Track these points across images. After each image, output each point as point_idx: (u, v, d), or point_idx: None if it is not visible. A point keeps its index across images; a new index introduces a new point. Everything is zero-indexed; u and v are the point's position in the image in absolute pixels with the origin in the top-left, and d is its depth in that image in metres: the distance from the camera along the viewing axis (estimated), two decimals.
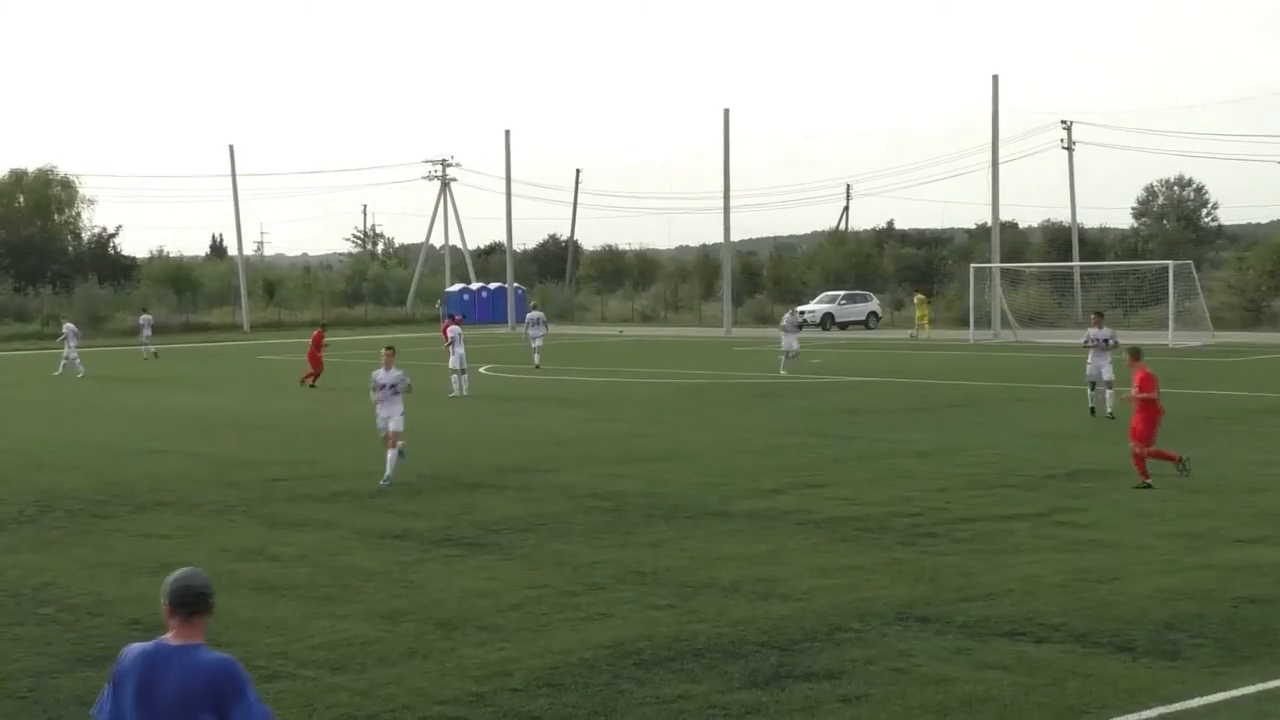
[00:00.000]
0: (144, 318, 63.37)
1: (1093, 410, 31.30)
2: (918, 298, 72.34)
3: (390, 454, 22.92)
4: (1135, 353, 22.83)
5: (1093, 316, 33.58)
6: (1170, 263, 64.86)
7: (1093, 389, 31.62)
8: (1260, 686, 11.20)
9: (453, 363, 39.51)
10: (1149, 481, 21.03)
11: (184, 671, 6.06)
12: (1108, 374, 31.13)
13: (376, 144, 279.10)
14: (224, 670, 6.10)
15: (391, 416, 23.36)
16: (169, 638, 6.20)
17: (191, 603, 6.20)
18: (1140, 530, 17.84)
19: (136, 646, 6.27)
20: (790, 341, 48.52)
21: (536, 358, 50.93)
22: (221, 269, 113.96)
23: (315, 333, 46.06)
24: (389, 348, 24.64)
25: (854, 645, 12.41)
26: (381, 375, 23.78)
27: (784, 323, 50.19)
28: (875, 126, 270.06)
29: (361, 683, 11.75)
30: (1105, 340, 31.93)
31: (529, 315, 54.13)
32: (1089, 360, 31.77)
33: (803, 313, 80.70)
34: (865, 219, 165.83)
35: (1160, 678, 11.48)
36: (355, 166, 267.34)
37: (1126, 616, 13.41)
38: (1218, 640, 12.57)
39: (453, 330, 40.61)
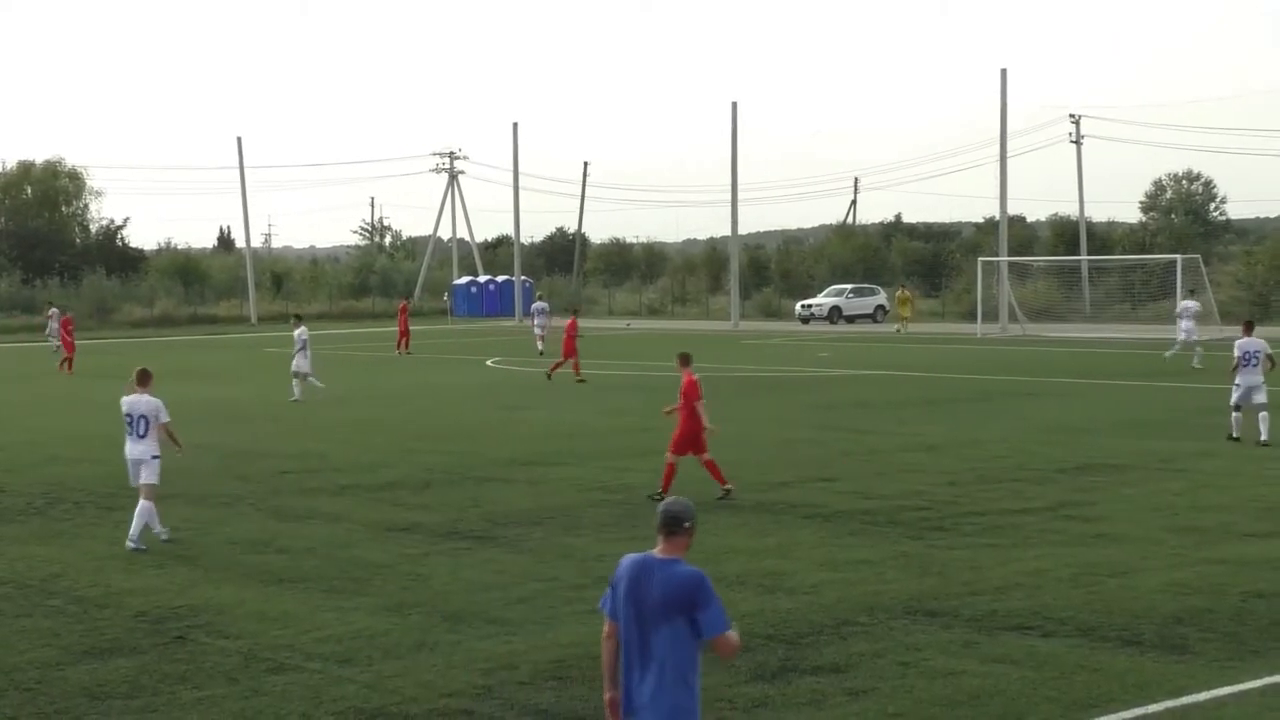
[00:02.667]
0: (51, 311, 62.98)
1: (1236, 437, 25.63)
2: (902, 293, 71.96)
3: (142, 506, 17.38)
4: (684, 358, 21.23)
5: (1243, 325, 27.03)
6: (1178, 257, 64.83)
7: (1237, 411, 25.86)
8: (1267, 680, 11.19)
9: (297, 364, 37.28)
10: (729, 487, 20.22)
11: (665, 580, 7.24)
12: (1261, 396, 25.56)
13: (385, 137, 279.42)
14: (695, 581, 7.22)
15: (143, 461, 17.60)
16: (656, 551, 7.39)
17: (668, 524, 7.38)
18: (1149, 524, 17.81)
19: (631, 556, 7.51)
20: (1189, 330, 45.81)
21: (539, 345, 53.56)
22: (229, 261, 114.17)
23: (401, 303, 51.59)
24: (142, 369, 18.14)
25: (861, 639, 12.40)
26: (129, 402, 17.85)
27: (1179, 310, 48.06)
28: (883, 120, 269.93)
29: (368, 675, 11.75)
30: (1256, 355, 25.86)
31: (534, 305, 57.80)
32: (1238, 379, 25.80)
33: (808, 306, 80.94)
34: (873, 212, 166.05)
35: (1168, 672, 11.46)
36: (363, 159, 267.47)
37: (1134, 611, 13.40)
38: (1226, 635, 12.55)
39: (299, 332, 37.86)
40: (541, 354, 51.69)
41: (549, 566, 15.87)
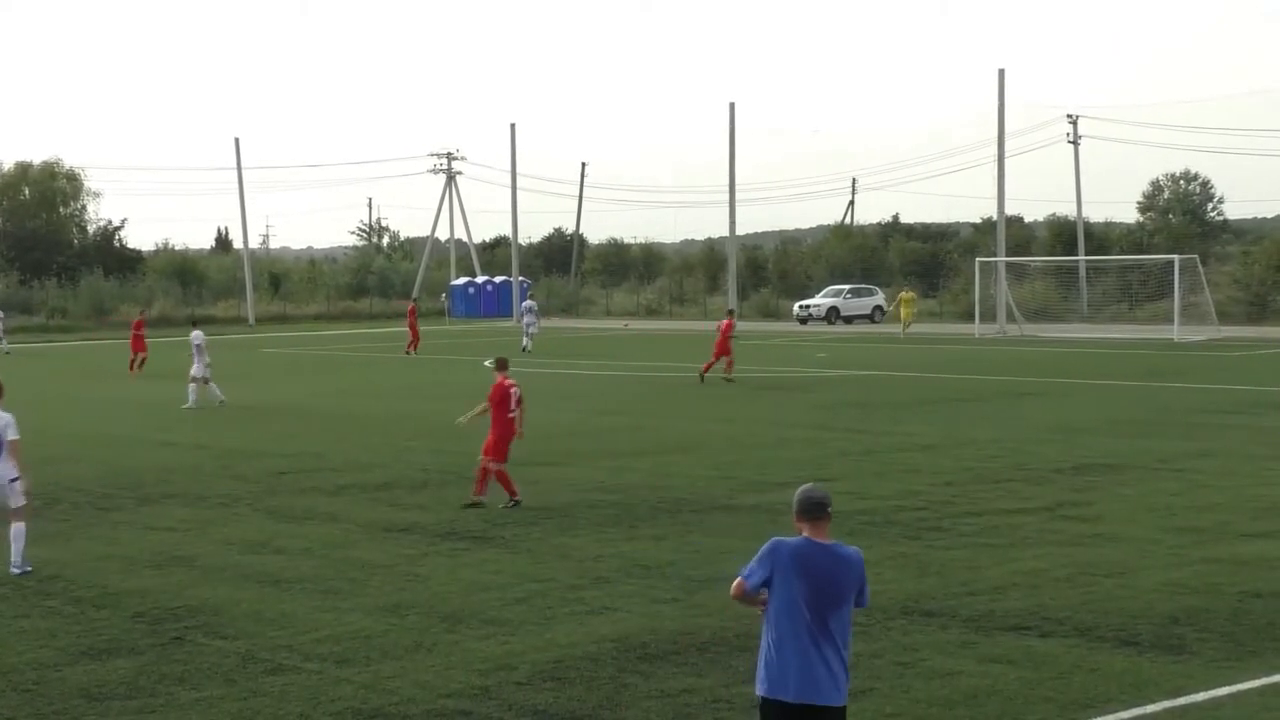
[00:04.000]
0: None
1: None
2: (907, 294, 71.46)
3: (14, 529, 15.92)
4: (500, 363, 21.18)
5: None
6: (1176, 257, 64.88)
7: None
8: (1265, 680, 11.20)
9: (195, 370, 35.55)
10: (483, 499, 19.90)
11: (844, 563, 7.73)
12: None
13: (383, 137, 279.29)
14: (862, 560, 7.85)
15: (4, 484, 15.90)
16: (809, 535, 7.76)
17: (813, 510, 7.78)
18: (1146, 524, 17.82)
19: (788, 540, 7.77)
20: None
21: (525, 342, 56.55)
22: (227, 262, 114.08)
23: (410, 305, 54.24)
24: None
25: (858, 639, 12.35)
26: None
27: None
28: (881, 120, 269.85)
29: (366, 676, 11.75)
30: None
31: (524, 305, 61.05)
32: None
33: (806, 307, 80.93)
34: (871, 213, 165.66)
35: (1165, 672, 11.47)
36: (362, 160, 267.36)
37: (1132, 611, 13.40)
38: (1223, 635, 12.56)
39: (196, 336, 36.09)
40: (525, 350, 54.59)
41: (546, 567, 15.87)
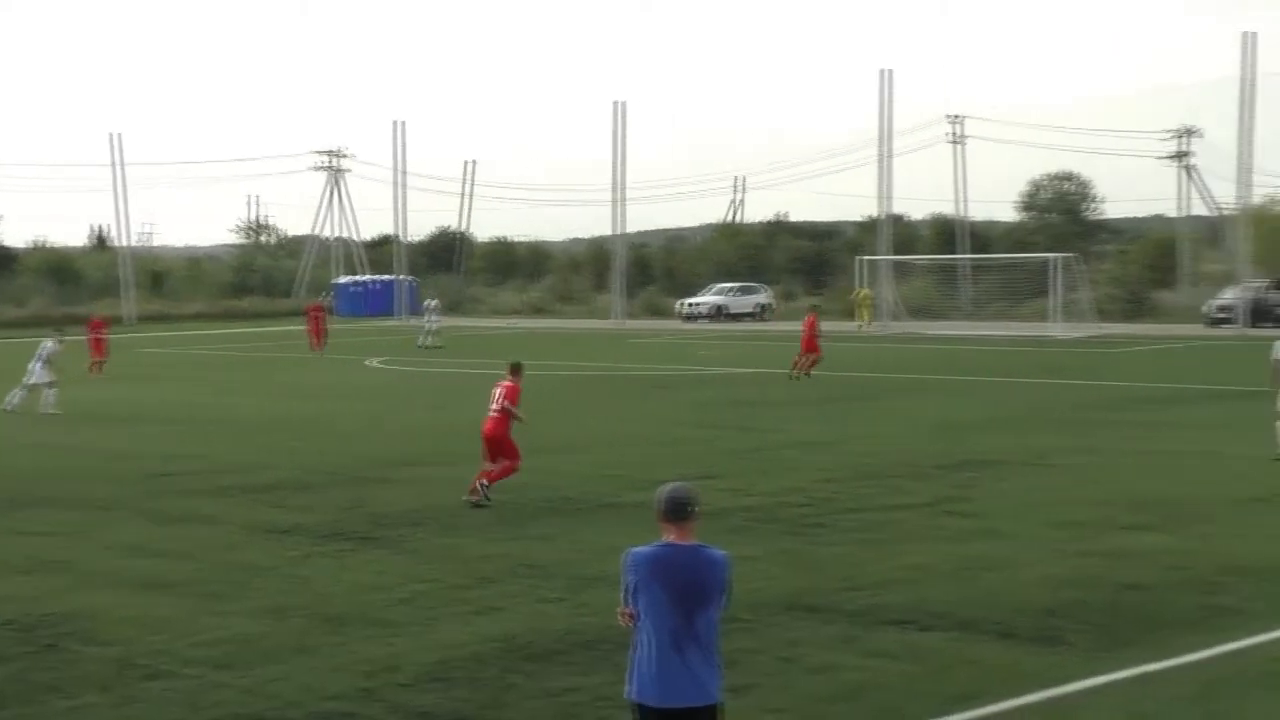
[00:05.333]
0: None
1: None
2: (861, 293, 70.50)
3: None
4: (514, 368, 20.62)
5: None
6: (1055, 255, 65.89)
7: None
8: (1138, 670, 11.40)
9: (38, 375, 33.49)
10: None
11: (708, 565, 7.58)
12: None
13: (266, 134, 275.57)
14: (728, 562, 7.68)
15: None
16: (672, 539, 7.61)
17: (677, 511, 7.61)
18: (1026, 519, 18.08)
19: (643, 549, 7.65)
20: None
21: (420, 339, 57.71)
22: (104, 260, 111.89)
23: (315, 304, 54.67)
24: None
25: (742, 635, 12.46)
26: None
27: None
28: (768, 120, 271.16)
29: (247, 680, 11.62)
30: None
31: (426, 303, 61.44)
32: None
33: (693, 305, 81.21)
34: (757, 211, 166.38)
35: (1043, 664, 11.65)
36: (245, 157, 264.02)
37: (1011, 604, 13.60)
38: (1099, 627, 12.78)
39: (46, 347, 33.91)
40: (422, 347, 55.73)
41: (431, 567, 15.80)
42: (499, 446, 20.05)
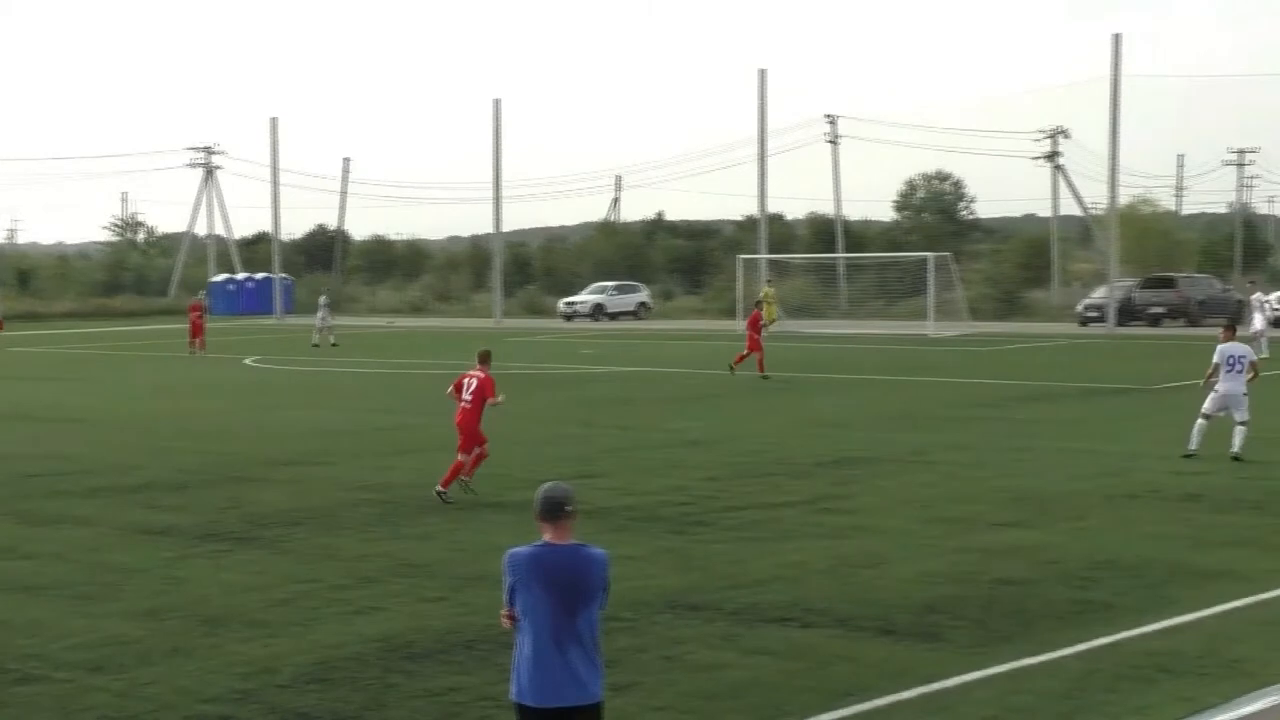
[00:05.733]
0: None
1: (1193, 452, 22.86)
2: (767, 292, 69.99)
3: None
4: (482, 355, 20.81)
5: (1223, 328, 24.24)
6: (930, 254, 66.68)
7: (1205, 420, 23.13)
8: (1013, 665, 11.56)
9: None
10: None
11: (587, 564, 7.59)
12: (1242, 408, 22.88)
13: (139, 130, 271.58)
14: (607, 561, 7.70)
15: None
16: (549, 539, 7.62)
17: (552, 510, 7.61)
18: (903, 516, 18.27)
19: (521, 549, 7.71)
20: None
21: (316, 337, 57.10)
22: None
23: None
24: None
25: (624, 634, 12.48)
26: None
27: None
28: (646, 119, 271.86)
29: (121, 683, 11.42)
30: (1241, 360, 23.19)
31: (320, 300, 60.36)
32: (1218, 386, 23.09)
33: (571, 304, 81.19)
34: (635, 210, 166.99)
35: (921, 659, 11.78)
36: (116, 153, 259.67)
37: (889, 600, 13.73)
38: (975, 622, 12.94)
39: None
40: (315, 346, 55.65)
41: (310, 567, 15.64)
42: (472, 435, 20.07)
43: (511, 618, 7.74)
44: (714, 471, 22.18)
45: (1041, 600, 13.77)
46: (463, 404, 20.26)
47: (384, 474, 22.43)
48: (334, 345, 55.56)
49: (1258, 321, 46.60)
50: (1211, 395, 23.20)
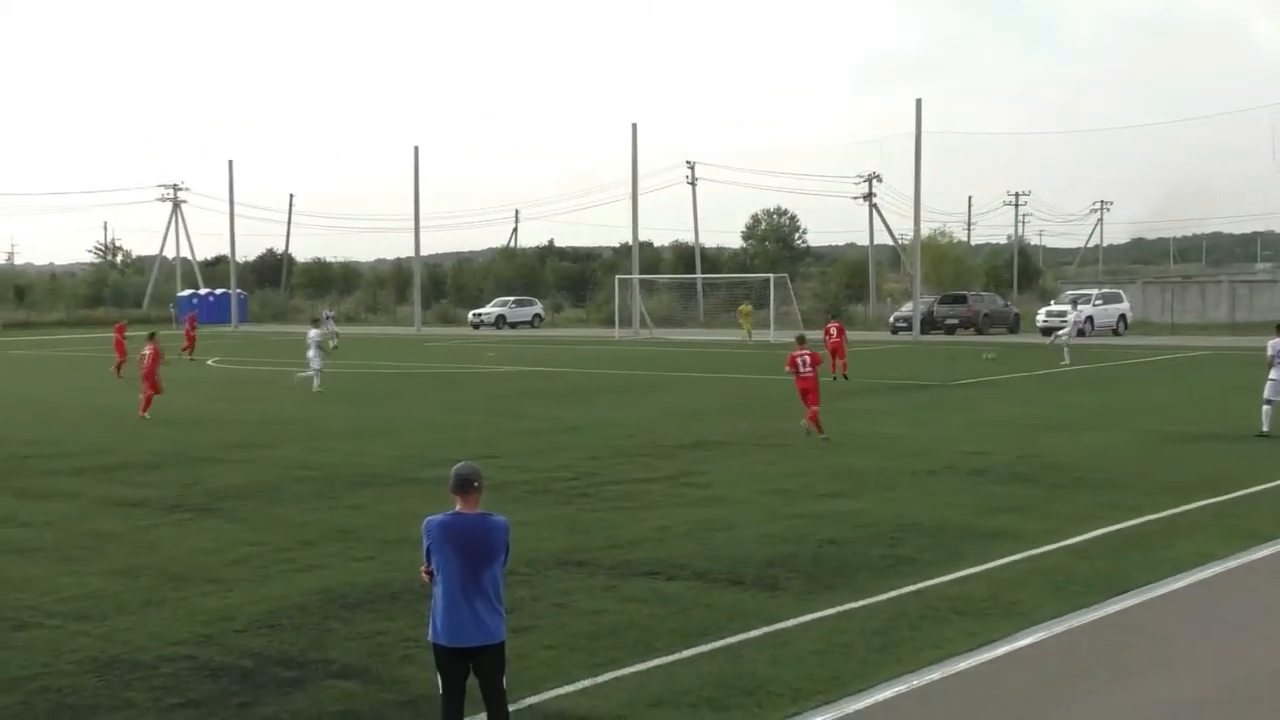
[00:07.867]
0: None
1: (1266, 432, 23.01)
2: (745, 307, 66.68)
3: None
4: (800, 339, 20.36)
5: (1276, 327, 23.89)
6: (771, 276, 67.18)
7: (1268, 405, 23.19)
8: (838, 609, 11.66)
9: None
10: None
11: (491, 529, 7.57)
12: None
13: (118, 169, 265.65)
14: (508, 526, 7.68)
15: None
16: (460, 509, 7.60)
17: (461, 486, 7.59)
18: (748, 489, 18.36)
19: (437, 516, 7.67)
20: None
21: (334, 341, 54.84)
22: None
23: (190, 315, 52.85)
24: None
25: (522, 586, 12.43)
26: None
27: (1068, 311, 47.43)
28: (540, 163, 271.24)
29: (103, 629, 11.19)
30: None
31: (324, 313, 60.37)
32: (1273, 374, 23.01)
33: (479, 314, 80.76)
34: (531, 238, 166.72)
35: (763, 605, 11.84)
36: (99, 189, 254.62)
37: (737, 557, 13.79)
38: (807, 574, 13.04)
39: None
40: (335, 349, 53.52)
41: (260, 533, 15.40)
42: None
43: (429, 573, 7.69)
44: (594, 453, 22.15)
45: (859, 556, 13.90)
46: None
47: (322, 455, 22.15)
48: (334, 348, 53.69)
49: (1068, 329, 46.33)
50: (1269, 383, 23.10)
